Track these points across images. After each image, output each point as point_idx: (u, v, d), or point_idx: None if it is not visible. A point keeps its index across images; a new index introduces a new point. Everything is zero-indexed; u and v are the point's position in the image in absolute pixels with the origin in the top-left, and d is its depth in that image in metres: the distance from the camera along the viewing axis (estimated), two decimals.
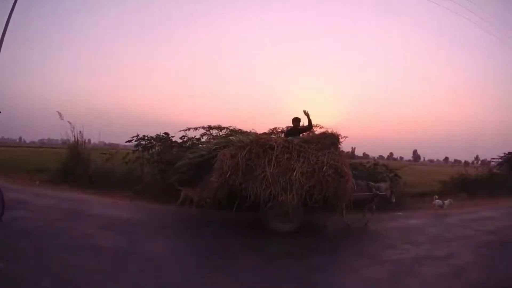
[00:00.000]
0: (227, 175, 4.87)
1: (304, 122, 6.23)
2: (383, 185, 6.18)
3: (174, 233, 4.88)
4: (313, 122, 6.12)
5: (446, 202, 7.28)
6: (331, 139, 5.55)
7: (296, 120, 6.26)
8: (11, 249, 3.38)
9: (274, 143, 5.14)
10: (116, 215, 5.31)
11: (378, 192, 5.99)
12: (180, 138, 7.70)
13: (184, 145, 7.57)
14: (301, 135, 6.01)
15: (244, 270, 3.48)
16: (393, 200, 6.30)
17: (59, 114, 8.62)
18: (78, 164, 7.99)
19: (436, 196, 7.55)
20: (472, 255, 4.31)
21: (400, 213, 6.89)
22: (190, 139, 7.63)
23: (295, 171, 4.88)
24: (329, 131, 5.76)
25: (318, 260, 3.85)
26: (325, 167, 4.95)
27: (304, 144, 5.27)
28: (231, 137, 6.04)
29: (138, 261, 3.43)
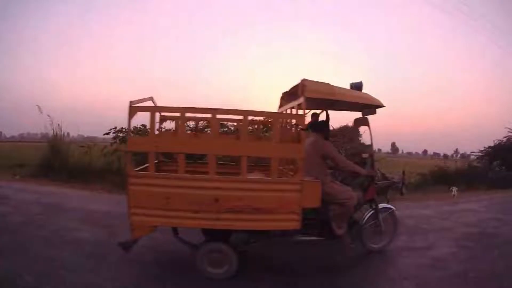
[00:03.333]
0: None
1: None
2: (396, 176, 6.42)
3: None
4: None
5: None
6: (351, 133, 5.85)
7: (314, 116, 6.51)
8: None
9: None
10: (95, 208, 5.46)
11: (393, 179, 6.03)
12: (157, 130, 7.87)
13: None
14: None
15: None
16: (404, 191, 6.20)
17: (39, 107, 8.59)
18: (57, 158, 8.05)
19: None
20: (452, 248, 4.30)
21: None
22: (167, 130, 7.83)
23: None
24: (350, 125, 5.89)
25: None
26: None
27: (333, 138, 5.40)
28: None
29: (118, 254, 3.43)
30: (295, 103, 3.45)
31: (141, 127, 8.00)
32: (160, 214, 2.89)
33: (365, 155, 3.99)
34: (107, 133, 8.12)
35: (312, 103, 3.74)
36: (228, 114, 3.37)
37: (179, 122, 3.33)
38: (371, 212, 3.83)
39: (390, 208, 4.01)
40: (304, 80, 3.17)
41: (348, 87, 3.66)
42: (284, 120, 3.97)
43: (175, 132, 3.76)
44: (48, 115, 8.56)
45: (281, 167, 3.59)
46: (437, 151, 36.60)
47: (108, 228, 4.46)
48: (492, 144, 15.52)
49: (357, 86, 3.68)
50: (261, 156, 3.33)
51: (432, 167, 11.04)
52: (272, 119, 3.23)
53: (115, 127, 8.06)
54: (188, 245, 3.25)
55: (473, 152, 16.96)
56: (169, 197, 2.86)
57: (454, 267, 3.57)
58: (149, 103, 3.40)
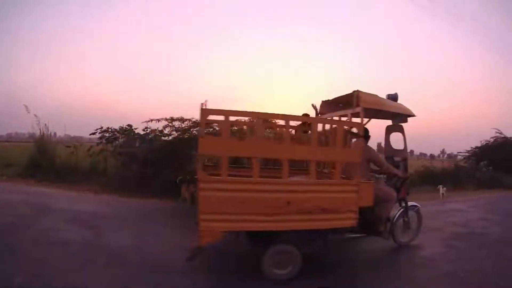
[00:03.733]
0: None
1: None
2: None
3: (138, 226, 5.02)
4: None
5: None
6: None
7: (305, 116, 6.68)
8: None
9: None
10: (81, 209, 5.59)
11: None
12: (143, 130, 7.95)
13: (147, 137, 7.86)
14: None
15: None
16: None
17: (26, 107, 8.69)
18: (44, 159, 8.13)
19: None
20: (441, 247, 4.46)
21: None
22: (153, 130, 7.89)
23: None
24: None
25: None
26: None
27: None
28: None
29: (105, 254, 3.59)
30: (348, 111, 3.73)
31: (127, 127, 8.16)
32: (231, 219, 2.94)
33: (397, 159, 4.39)
34: (93, 133, 8.16)
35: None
36: (296, 120, 3.98)
37: (252, 126, 3.63)
38: (401, 210, 4.27)
39: (416, 206, 4.49)
40: (358, 92, 3.47)
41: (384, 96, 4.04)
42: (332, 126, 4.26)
43: (241, 136, 3.84)
44: (35, 115, 8.67)
45: (319, 169, 3.96)
46: (424, 151, 36.35)
47: (94, 229, 4.57)
48: (479, 145, 15.87)
49: (394, 97, 4.07)
50: (326, 160, 3.75)
51: (418, 167, 11.18)
52: (336, 126, 3.55)
53: (101, 127, 8.13)
54: (255, 246, 3.39)
55: (460, 152, 17.27)
56: (243, 201, 2.93)
57: (444, 267, 3.72)
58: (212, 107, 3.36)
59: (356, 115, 3.51)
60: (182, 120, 7.94)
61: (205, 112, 2.98)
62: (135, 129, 8.11)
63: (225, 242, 3.28)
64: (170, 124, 7.82)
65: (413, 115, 4.22)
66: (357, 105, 3.43)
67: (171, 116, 7.85)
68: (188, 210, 5.71)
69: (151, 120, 7.82)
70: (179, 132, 7.71)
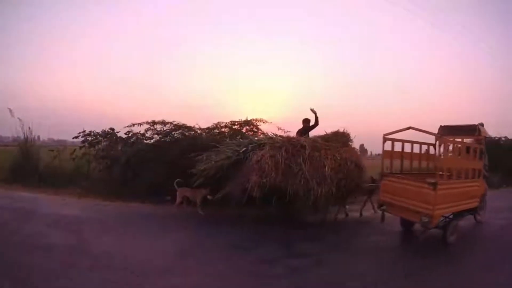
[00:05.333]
0: (271, 174, 5.15)
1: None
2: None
3: (121, 230, 5.16)
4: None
5: None
6: (344, 138, 6.25)
7: (306, 121, 6.91)
8: None
9: (305, 143, 5.62)
10: (65, 213, 5.73)
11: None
12: (125, 134, 8.11)
13: (129, 141, 8.02)
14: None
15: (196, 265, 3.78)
16: None
17: (10, 110, 8.73)
18: (28, 163, 8.20)
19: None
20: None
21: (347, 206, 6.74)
22: (134, 134, 8.07)
23: (326, 167, 5.42)
24: (341, 130, 6.40)
25: None
26: (349, 162, 5.64)
27: (327, 143, 5.87)
28: (255, 139, 6.26)
29: (87, 259, 3.70)
30: (471, 138, 5.81)
31: (110, 130, 8.31)
32: (446, 207, 4.77)
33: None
34: (76, 137, 8.24)
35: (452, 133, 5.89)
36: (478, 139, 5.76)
37: (458, 146, 5.40)
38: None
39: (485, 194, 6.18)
40: (480, 125, 5.61)
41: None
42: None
43: (454, 154, 5.48)
44: (19, 118, 8.67)
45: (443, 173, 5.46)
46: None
47: (78, 233, 4.70)
48: None
49: (482, 125, 5.75)
50: (474, 167, 5.52)
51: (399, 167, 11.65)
52: (477, 147, 5.61)
53: (84, 131, 8.21)
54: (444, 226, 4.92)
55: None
56: (455, 195, 4.88)
57: None
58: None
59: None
60: (163, 123, 8.17)
61: (384, 137, 5.40)
62: (117, 132, 8.24)
63: None
64: (152, 128, 8.05)
65: (488, 136, 6.20)
66: (479, 134, 5.58)
67: (153, 119, 8.09)
68: (176, 213, 6.03)
69: (133, 125, 8.00)
70: (161, 136, 7.93)
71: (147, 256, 3.98)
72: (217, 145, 6.29)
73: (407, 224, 5.55)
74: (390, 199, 5.23)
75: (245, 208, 5.79)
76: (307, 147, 5.52)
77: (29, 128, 8.72)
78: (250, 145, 5.82)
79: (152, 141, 7.94)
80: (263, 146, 5.64)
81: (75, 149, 8.21)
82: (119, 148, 7.92)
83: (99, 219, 5.66)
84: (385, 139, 5.39)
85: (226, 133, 8.24)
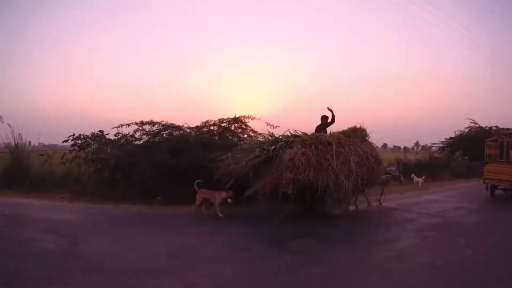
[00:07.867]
0: (305, 171, 5.41)
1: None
2: (393, 168, 7.62)
3: (113, 232, 5.20)
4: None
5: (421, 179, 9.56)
6: (362, 133, 6.56)
7: (324, 118, 7.02)
8: None
9: (331, 140, 5.89)
10: (57, 218, 5.79)
11: (394, 173, 7.38)
12: (115, 135, 8.11)
13: (118, 142, 8.03)
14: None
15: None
16: (402, 180, 8.03)
17: (0, 117, 8.71)
18: (19, 169, 8.17)
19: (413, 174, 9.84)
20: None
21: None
22: (124, 136, 8.09)
23: (352, 161, 5.81)
24: (358, 126, 6.72)
25: None
26: (370, 156, 6.00)
27: (349, 139, 6.14)
28: (282, 137, 6.36)
29: (80, 262, 3.73)
30: None
31: (99, 133, 8.33)
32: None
33: None
34: (66, 141, 8.23)
35: None
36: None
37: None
38: None
39: None
40: None
41: None
42: None
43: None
44: (9, 124, 8.64)
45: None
46: (397, 144, 38.02)
47: (70, 237, 4.72)
48: (453, 135, 16.31)
49: None
50: None
51: (392, 160, 11.73)
52: None
53: (73, 134, 8.19)
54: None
55: (434, 143, 17.68)
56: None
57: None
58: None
59: None
60: (152, 123, 8.24)
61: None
62: (107, 134, 8.24)
63: None
64: (140, 128, 8.11)
65: None
66: None
67: (141, 120, 8.17)
68: (167, 213, 6.22)
69: (122, 126, 8.05)
70: (149, 136, 8.00)
71: (139, 257, 4.04)
72: (207, 144, 6.78)
73: (492, 190, 8.91)
74: (492, 175, 8.75)
75: (259, 205, 6.08)
76: (333, 143, 5.80)
77: (19, 134, 8.69)
78: (278, 144, 6.04)
79: (141, 142, 7.99)
80: (291, 144, 5.88)
81: (65, 153, 8.22)
82: (108, 150, 7.92)
83: (91, 223, 5.71)
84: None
85: (215, 131, 8.33)
